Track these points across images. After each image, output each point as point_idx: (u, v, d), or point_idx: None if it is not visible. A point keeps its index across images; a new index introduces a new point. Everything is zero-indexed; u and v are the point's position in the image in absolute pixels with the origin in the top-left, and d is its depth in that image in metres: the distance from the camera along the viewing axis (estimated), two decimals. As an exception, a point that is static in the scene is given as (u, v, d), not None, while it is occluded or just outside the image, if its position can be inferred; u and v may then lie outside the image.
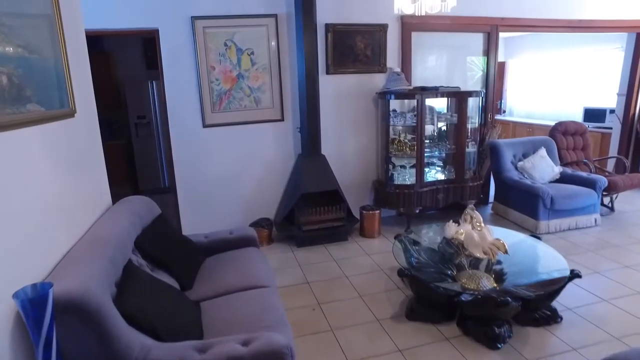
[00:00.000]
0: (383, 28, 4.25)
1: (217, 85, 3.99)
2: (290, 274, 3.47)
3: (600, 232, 4.22)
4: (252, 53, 4.01)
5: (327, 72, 4.20)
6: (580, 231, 4.24)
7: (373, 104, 4.39)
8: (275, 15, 3.98)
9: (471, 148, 4.34)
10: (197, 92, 3.93)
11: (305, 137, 4.02)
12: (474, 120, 4.32)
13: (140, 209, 2.65)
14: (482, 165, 4.65)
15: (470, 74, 4.76)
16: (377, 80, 4.34)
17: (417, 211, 4.17)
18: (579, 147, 5.06)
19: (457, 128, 4.23)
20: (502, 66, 8.80)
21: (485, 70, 4.77)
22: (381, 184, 4.29)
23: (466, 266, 2.87)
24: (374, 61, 4.31)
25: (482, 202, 5.01)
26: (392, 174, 4.28)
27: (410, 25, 4.31)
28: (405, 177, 4.28)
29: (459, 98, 4.15)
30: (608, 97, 7.10)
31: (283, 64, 4.11)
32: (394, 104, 4.27)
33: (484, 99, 4.41)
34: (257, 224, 4.08)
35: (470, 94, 4.13)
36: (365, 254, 3.82)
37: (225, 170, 4.14)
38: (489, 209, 4.94)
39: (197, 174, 4.07)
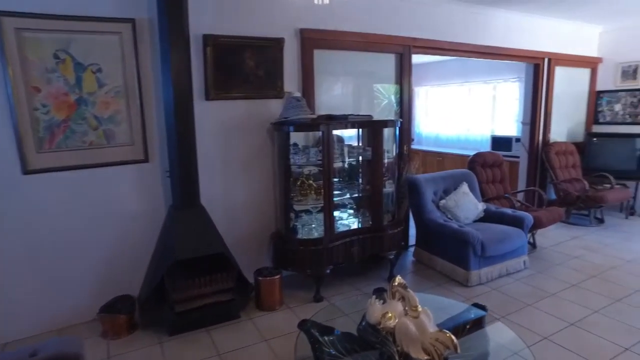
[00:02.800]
0: (278, 43, 3.44)
1: (44, 114, 2.80)
2: (151, 389, 2.35)
3: (532, 277, 3.74)
4: (99, 70, 2.91)
5: (207, 98, 3.24)
6: (512, 278, 3.72)
7: (269, 137, 3.51)
8: (132, 20, 2.95)
9: (389, 187, 3.64)
10: (11, 124, 2.70)
11: (177, 183, 2.97)
12: (390, 154, 3.65)
13: None
14: (400, 206, 3.98)
15: (376, 101, 4.14)
16: (273, 108, 3.49)
17: (328, 271, 3.31)
18: (497, 179, 4.68)
19: (372, 164, 3.51)
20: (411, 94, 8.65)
21: (398, 97, 4.19)
22: (282, 238, 3.37)
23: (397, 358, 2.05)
24: (268, 84, 3.46)
25: (402, 247, 4.33)
26: (295, 226, 3.39)
27: (311, 41, 3.56)
28: (312, 226, 3.43)
29: (372, 129, 3.45)
30: (510, 125, 7.16)
31: (146, 87, 3.07)
32: (296, 136, 3.43)
33: (398, 129, 3.78)
34: (110, 308, 2.89)
35: (385, 123, 3.46)
36: (263, 339, 2.82)
37: (62, 233, 2.91)
38: (410, 256, 4.27)
39: (18, 239, 2.79)
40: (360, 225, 3.56)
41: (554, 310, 3.13)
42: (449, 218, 3.91)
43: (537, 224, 4.03)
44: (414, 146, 8.27)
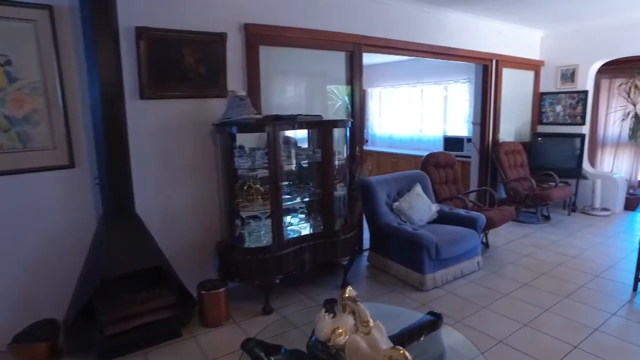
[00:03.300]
0: (221, 38, 3.20)
1: (-59, 114, 2.42)
2: None
3: (485, 277, 3.73)
4: (9, 63, 2.55)
5: (142, 97, 2.95)
6: (466, 279, 3.69)
7: (211, 139, 3.27)
8: (49, 7, 2.61)
9: (340, 191, 3.50)
10: None
11: (107, 190, 2.67)
12: (341, 155, 3.50)
13: None
14: (353, 209, 3.84)
15: (330, 103, 4.00)
16: (217, 107, 3.24)
17: (278, 281, 3.11)
18: (450, 180, 4.68)
19: (322, 166, 3.35)
20: (362, 94, 8.63)
21: (350, 97, 4.07)
22: (227, 248, 3.12)
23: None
24: (210, 82, 3.21)
25: (355, 252, 4.21)
26: (242, 234, 3.17)
27: (256, 36, 3.35)
28: (260, 233, 3.22)
29: (322, 129, 3.29)
30: (461, 126, 7.28)
31: (69, 83, 2.73)
32: (244, 138, 3.20)
33: (349, 130, 3.65)
34: (26, 336, 2.53)
35: (335, 123, 3.31)
36: (206, 359, 2.58)
37: (-32, 251, 2.53)
38: (364, 260, 4.15)
39: None
40: (311, 231, 3.39)
41: (507, 312, 3.11)
42: (403, 220, 3.83)
43: (490, 224, 4.04)
44: (369, 147, 8.24)
